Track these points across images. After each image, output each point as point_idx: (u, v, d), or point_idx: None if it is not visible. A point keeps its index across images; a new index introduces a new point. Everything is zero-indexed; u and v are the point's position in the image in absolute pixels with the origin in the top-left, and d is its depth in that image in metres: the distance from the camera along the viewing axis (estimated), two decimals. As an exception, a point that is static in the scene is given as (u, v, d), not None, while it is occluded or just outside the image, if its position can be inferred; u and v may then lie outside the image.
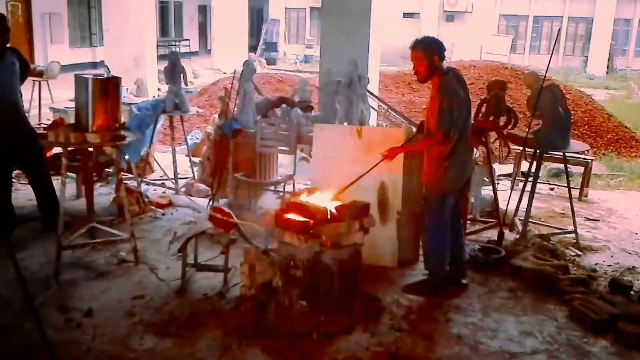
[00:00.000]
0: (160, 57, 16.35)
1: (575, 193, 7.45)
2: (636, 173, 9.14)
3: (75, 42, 21.79)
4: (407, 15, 28.52)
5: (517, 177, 7.50)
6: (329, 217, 3.69)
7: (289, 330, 3.81)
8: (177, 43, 27.25)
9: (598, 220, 6.49)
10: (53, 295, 4.27)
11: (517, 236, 5.56)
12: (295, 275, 3.77)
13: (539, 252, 5.15)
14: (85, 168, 5.05)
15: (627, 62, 27.63)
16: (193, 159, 7.65)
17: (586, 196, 7.30)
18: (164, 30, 27.52)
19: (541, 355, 3.72)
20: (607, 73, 25.65)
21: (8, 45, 4.99)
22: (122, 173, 6.13)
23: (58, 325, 3.87)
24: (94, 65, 21.16)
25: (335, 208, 3.74)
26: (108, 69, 4.61)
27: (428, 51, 4.09)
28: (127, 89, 14.25)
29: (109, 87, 4.47)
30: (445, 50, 4.17)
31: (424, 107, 11.39)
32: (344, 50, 7.05)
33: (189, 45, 28.28)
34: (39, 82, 9.61)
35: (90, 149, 4.93)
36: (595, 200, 7.28)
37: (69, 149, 4.55)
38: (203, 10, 30.49)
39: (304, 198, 3.94)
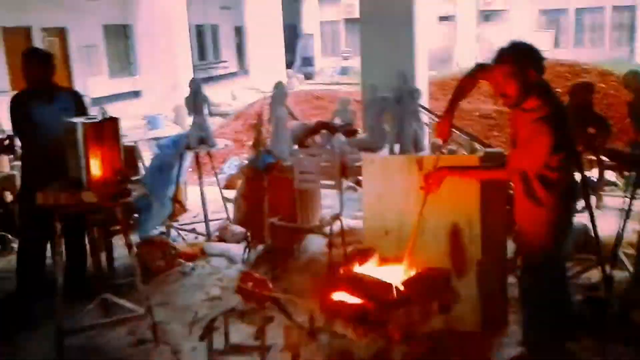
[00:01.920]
0: (202, 81, 15.60)
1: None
2: None
3: (114, 73, 21.31)
4: (443, 18, 27.11)
5: (602, 193, 6.20)
6: (395, 297, 2.54)
7: None
8: (215, 65, 26.60)
9: None
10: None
11: (628, 278, 4.27)
12: (354, 378, 2.64)
13: (662, 300, 3.87)
14: (83, 230, 4.04)
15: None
16: (228, 194, 6.62)
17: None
18: (202, 53, 26.94)
19: None
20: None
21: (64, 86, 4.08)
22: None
23: None
24: (135, 93, 20.64)
25: (403, 283, 2.59)
26: (103, 109, 3.59)
27: (521, 63, 2.81)
28: (166, 117, 13.64)
29: (105, 132, 3.45)
30: (544, 59, 2.91)
31: (477, 114, 10.14)
32: (388, 62, 5.97)
33: (227, 67, 27.60)
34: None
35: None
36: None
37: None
38: (239, 31, 29.84)
39: (359, 268, 2.80)
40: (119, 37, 21.92)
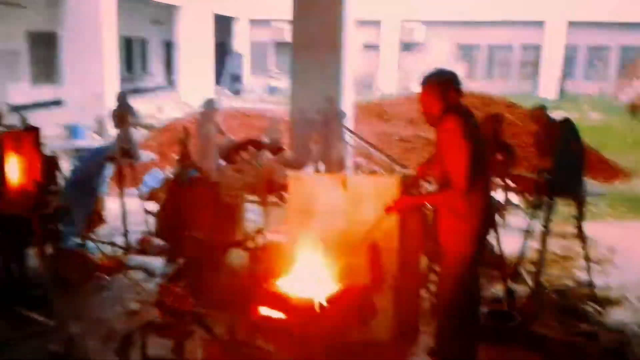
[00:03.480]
0: (129, 93, 15.05)
1: (568, 228, 6.52)
2: (616, 199, 8.27)
3: (37, 80, 20.22)
4: (367, 46, 27.79)
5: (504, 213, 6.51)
6: (318, 312, 2.54)
7: None
8: (142, 78, 25.89)
9: (603, 262, 5.49)
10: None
11: (528, 293, 4.49)
12: (274, 391, 2.60)
13: (558, 314, 4.10)
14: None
15: (575, 85, 27.38)
16: (150, 207, 6.39)
17: (582, 233, 6.29)
18: (129, 65, 26.12)
19: None
20: (558, 96, 25.28)
21: None
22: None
23: None
24: (58, 103, 19.65)
25: (326, 299, 2.60)
26: (24, 117, 3.38)
27: (444, 86, 3.05)
28: (89, 128, 13.04)
29: (25, 142, 3.26)
30: (461, 85, 3.11)
31: (396, 137, 10.40)
32: (316, 85, 6.00)
33: (155, 80, 26.92)
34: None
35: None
36: (591, 236, 6.25)
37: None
38: (169, 46, 29.20)
39: (282, 284, 2.78)
40: (44, 44, 20.88)
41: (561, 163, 4.26)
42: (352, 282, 2.77)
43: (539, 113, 4.49)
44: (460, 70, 25.63)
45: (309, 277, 2.90)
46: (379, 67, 25.99)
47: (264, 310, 2.60)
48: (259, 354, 2.61)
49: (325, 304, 2.54)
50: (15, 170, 3.23)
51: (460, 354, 3.28)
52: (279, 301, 2.60)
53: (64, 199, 3.78)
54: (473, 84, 24.79)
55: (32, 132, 3.33)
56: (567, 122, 4.38)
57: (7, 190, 3.23)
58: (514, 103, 12.45)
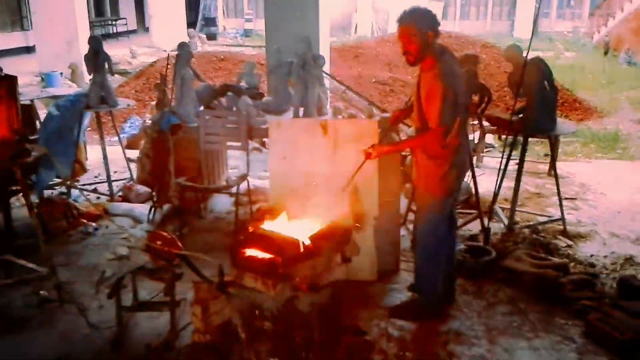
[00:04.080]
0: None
1: (542, 166, 6.68)
2: (588, 137, 8.44)
3: (5, 27, 19.44)
4: (342, -14, 27.07)
5: (481, 154, 6.63)
6: (301, 251, 2.62)
7: (259, 396, 2.76)
8: (113, 22, 25.00)
9: (575, 199, 5.66)
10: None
11: (503, 229, 4.64)
12: (262, 328, 2.70)
13: (531, 248, 4.26)
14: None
15: (550, 24, 27.24)
16: (130, 152, 6.36)
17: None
18: (99, 9, 25.15)
19: (571, 398, 2.82)
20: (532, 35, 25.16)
21: None
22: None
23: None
24: (27, 49, 18.99)
25: (309, 238, 2.67)
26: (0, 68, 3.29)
27: (421, 25, 3.01)
28: (62, 74, 12.67)
29: (1, 91, 3.19)
30: (439, 24, 3.09)
31: (373, 80, 10.35)
32: (293, 26, 5.88)
33: (126, 24, 26.02)
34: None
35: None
36: (564, 174, 6.44)
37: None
38: (139, -12, 28.11)
39: (267, 225, 2.84)
40: (9, -13, 19.96)
41: (534, 102, 4.32)
42: (334, 223, 2.84)
43: (512, 53, 4.49)
44: (435, 10, 25.27)
45: (293, 220, 2.96)
46: (356, 8, 25.42)
47: (250, 251, 2.67)
48: (248, 293, 2.69)
49: (308, 242, 2.61)
50: (-7, 120, 3.16)
51: (435, 290, 3.43)
52: (264, 241, 2.67)
53: (44, 147, 3.72)
54: (448, 24, 24.59)
55: (9, 80, 3.25)
56: (539, 61, 4.40)
57: (-13, 140, 3.17)
58: (490, 43, 12.41)
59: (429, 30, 3.01)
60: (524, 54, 4.33)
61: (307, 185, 3.67)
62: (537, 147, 7.66)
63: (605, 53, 18.50)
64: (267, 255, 2.63)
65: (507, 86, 5.27)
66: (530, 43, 4.33)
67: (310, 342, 2.71)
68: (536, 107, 4.31)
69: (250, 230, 2.80)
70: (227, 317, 3.18)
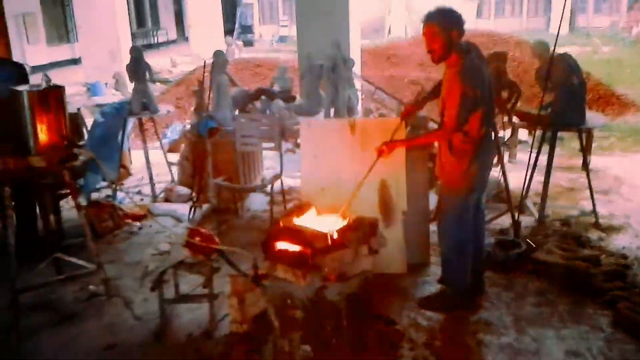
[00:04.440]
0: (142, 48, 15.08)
1: (576, 161, 6.59)
2: (626, 132, 8.26)
3: (52, 40, 20.27)
4: (376, -11, 27.08)
5: (515, 150, 6.60)
6: (330, 243, 2.73)
7: (292, 381, 2.88)
8: (154, 33, 25.70)
9: (609, 192, 5.59)
10: (10, 352, 3.29)
11: (534, 223, 4.64)
12: (294, 316, 2.82)
13: (562, 241, 4.26)
14: (38, 193, 3.99)
15: (587, 20, 26.58)
16: (171, 156, 6.60)
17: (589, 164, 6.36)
18: (140, 21, 25.91)
19: (598, 385, 2.83)
20: (569, 31, 24.60)
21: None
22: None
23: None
24: (74, 61, 19.76)
25: (336, 231, 2.78)
26: (47, 77, 3.51)
27: (445, 25, 3.08)
28: (106, 84, 13.17)
29: (50, 99, 3.41)
30: (464, 23, 3.15)
31: (406, 80, 10.38)
32: (323, 31, 6.00)
33: (166, 35, 26.73)
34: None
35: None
36: (599, 167, 6.36)
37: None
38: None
39: (297, 220, 2.96)
40: (56, 4, 20.79)
41: (562, 96, 4.31)
42: (361, 217, 2.94)
43: (539, 49, 4.50)
44: (469, 9, 25.01)
45: (322, 216, 3.08)
46: (389, 11, 25.38)
47: (281, 244, 2.80)
48: (280, 284, 2.81)
49: (335, 235, 2.72)
50: (43, 127, 3.39)
51: (463, 282, 3.48)
52: (294, 235, 2.79)
53: (91, 152, 3.95)
54: (483, 22, 24.30)
55: (57, 90, 3.47)
56: (566, 56, 4.39)
57: (38, 146, 3.40)
58: (524, 40, 12.22)
59: (452, 29, 3.07)
60: (551, 49, 4.32)
61: (337, 182, 3.79)
62: (573, 143, 7.56)
63: (645, 46, 17.96)
64: (297, 248, 2.75)
65: (535, 82, 5.24)
66: (556, 38, 4.32)
67: (340, 330, 2.82)
68: (564, 101, 4.31)
69: (282, 225, 2.93)
70: (262, 309, 3.33)
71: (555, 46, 4.25)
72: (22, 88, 3.39)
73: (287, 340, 2.88)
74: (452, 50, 3.11)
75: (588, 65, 12.93)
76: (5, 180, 3.45)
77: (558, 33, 4.57)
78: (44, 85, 3.40)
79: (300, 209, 3.10)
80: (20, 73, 4.21)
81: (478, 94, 3.06)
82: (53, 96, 3.42)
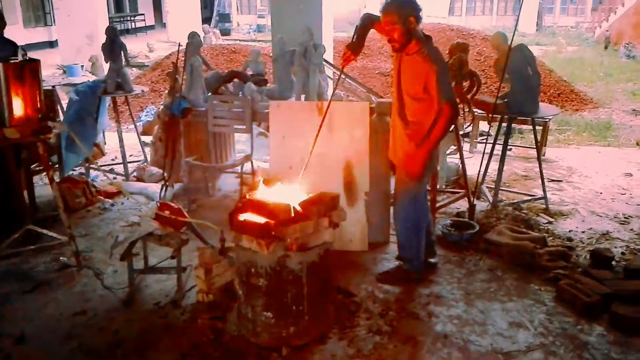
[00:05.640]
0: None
1: (534, 151, 6.80)
2: (582, 126, 8.55)
3: (29, 22, 19.82)
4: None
5: (475, 140, 6.79)
6: (292, 215, 2.83)
7: (254, 346, 2.98)
8: (132, 18, 25.30)
9: (561, 180, 5.82)
10: (-20, 318, 3.32)
11: (488, 207, 4.82)
12: (258, 284, 2.92)
13: (512, 224, 4.44)
14: (11, 165, 3.99)
15: (554, 19, 27.12)
16: (145, 139, 6.60)
17: (544, 155, 6.60)
18: (118, 6, 25.47)
19: (537, 352, 3.00)
20: (537, 30, 25.08)
21: None
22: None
23: (-19, 360, 2.94)
24: (50, 44, 19.37)
25: (299, 204, 2.88)
26: (24, 50, 3.52)
27: (402, 12, 3.17)
28: (83, 66, 12.96)
29: (26, 73, 3.42)
30: (421, 10, 3.25)
31: (377, 72, 10.50)
32: (297, 18, 6.05)
33: (144, 20, 26.34)
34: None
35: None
36: (553, 158, 6.61)
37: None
38: (156, -15, 28.34)
39: (261, 194, 3.05)
40: (33, -15, 20.30)
41: (518, 86, 4.48)
42: (323, 192, 3.04)
43: (498, 40, 4.65)
44: (442, 5, 25.19)
45: (287, 191, 3.17)
46: (365, 4, 25.45)
47: (246, 215, 2.88)
48: (245, 253, 2.90)
49: (298, 207, 2.82)
50: (18, 99, 3.39)
51: (419, 257, 3.63)
52: (259, 207, 2.88)
53: (65, 126, 3.96)
54: (455, 19, 24.58)
55: (33, 63, 3.47)
56: (522, 47, 4.55)
57: (12, 118, 3.40)
58: (490, 36, 12.45)
59: (410, 16, 3.16)
60: (509, 42, 4.47)
61: (304, 162, 3.88)
62: (532, 135, 7.79)
63: (606, 47, 18.48)
64: (261, 219, 2.84)
65: (495, 73, 5.41)
66: (514, 30, 4.48)
67: (301, 298, 2.93)
68: (519, 91, 4.48)
69: (247, 198, 3.01)
70: (228, 280, 3.43)
71: (512, 38, 4.40)
72: (-5, 61, 3.39)
73: (251, 306, 2.97)
74: (412, 37, 3.21)
75: (552, 63, 13.27)
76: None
77: (516, 25, 4.74)
78: (19, 58, 3.40)
79: (266, 183, 3.18)
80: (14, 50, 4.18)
81: (447, 71, 3.17)
82: (28, 69, 3.43)
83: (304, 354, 2.94)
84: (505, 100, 4.64)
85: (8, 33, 4.46)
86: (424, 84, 3.18)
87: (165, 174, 5.25)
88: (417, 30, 3.22)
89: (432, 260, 3.86)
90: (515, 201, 5.00)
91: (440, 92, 3.14)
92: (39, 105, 3.52)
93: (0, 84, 3.34)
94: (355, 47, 3.41)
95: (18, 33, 17.62)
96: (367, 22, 3.51)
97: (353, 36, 3.46)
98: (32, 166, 4.71)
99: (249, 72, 5.51)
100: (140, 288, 3.61)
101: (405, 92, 3.30)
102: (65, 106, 5.60)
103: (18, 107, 3.41)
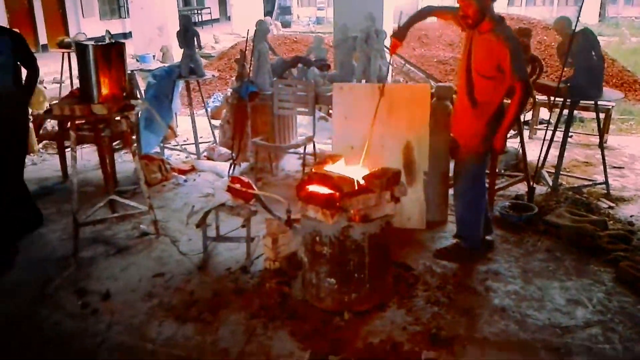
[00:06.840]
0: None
1: (594, 139, 6.58)
2: (646, 116, 8.15)
3: (105, 15, 20.73)
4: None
5: (535, 127, 6.62)
6: (356, 188, 2.90)
7: (318, 310, 3.09)
8: (198, 11, 25.95)
9: (623, 167, 5.60)
10: (70, 276, 3.58)
11: (548, 190, 4.72)
12: (322, 252, 3.01)
13: (572, 207, 4.33)
14: (98, 139, 4.25)
15: (617, 10, 25.76)
16: (214, 122, 6.83)
17: (606, 142, 6.35)
18: (186, 0, 26.19)
19: (595, 328, 2.96)
20: (599, 21, 23.90)
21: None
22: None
23: (73, 312, 3.19)
24: (124, 35, 20.18)
25: (363, 178, 2.94)
26: (110, 34, 3.73)
27: None
28: (154, 56, 13.46)
29: (112, 54, 3.63)
30: None
31: (435, 60, 10.36)
32: (359, 4, 6.08)
33: (210, 13, 26.95)
34: (68, 53, 8.77)
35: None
36: (616, 146, 6.36)
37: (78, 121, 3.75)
38: (222, -20, 28.89)
39: (328, 168, 3.14)
40: (109, -19, 21.19)
41: (581, 70, 4.34)
42: (385, 167, 3.09)
43: (561, 24, 4.51)
44: (503, -3, 24.36)
45: (350, 166, 3.24)
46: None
47: (313, 187, 2.98)
48: (310, 222, 3.00)
49: (361, 180, 2.89)
50: (106, 79, 3.61)
51: (477, 235, 3.62)
52: (325, 180, 2.96)
53: (146, 104, 4.18)
54: (514, 9, 23.76)
55: (119, 45, 3.69)
56: (586, 31, 4.40)
57: (100, 96, 3.63)
58: (551, 26, 11.99)
59: None
60: (573, 26, 4.34)
61: (366, 141, 3.93)
62: (593, 124, 7.51)
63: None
64: (327, 191, 2.92)
65: (557, 57, 5.25)
66: (577, 17, 4.33)
67: (363, 266, 3.00)
68: (583, 75, 4.34)
69: (314, 171, 3.10)
70: (293, 250, 3.55)
71: (577, 21, 4.27)
72: (87, 43, 3.61)
73: (315, 273, 3.08)
74: (486, 15, 3.17)
75: (615, 54, 12.66)
76: (72, 125, 3.72)
77: (578, 15, 4.58)
78: (107, 40, 3.62)
79: (332, 158, 3.27)
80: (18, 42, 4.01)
81: (520, 49, 3.13)
82: (115, 51, 3.64)
83: (364, 319, 3.02)
84: (568, 84, 4.51)
85: (86, 24, 4.66)
86: (496, 63, 3.14)
87: (233, 154, 5.43)
88: (491, 8, 3.19)
89: (488, 237, 3.84)
90: (575, 186, 4.87)
91: (513, 70, 3.10)
92: (123, 85, 3.72)
93: (90, 64, 3.56)
94: (398, 33, 3.50)
95: (95, 25, 18.49)
96: (423, 13, 3.55)
97: (399, 24, 3.52)
98: (113, 144, 5.00)
99: (313, 58, 5.59)
100: (213, 255, 3.79)
101: (476, 71, 3.27)
102: (142, 90, 5.90)
103: (105, 86, 3.63)
